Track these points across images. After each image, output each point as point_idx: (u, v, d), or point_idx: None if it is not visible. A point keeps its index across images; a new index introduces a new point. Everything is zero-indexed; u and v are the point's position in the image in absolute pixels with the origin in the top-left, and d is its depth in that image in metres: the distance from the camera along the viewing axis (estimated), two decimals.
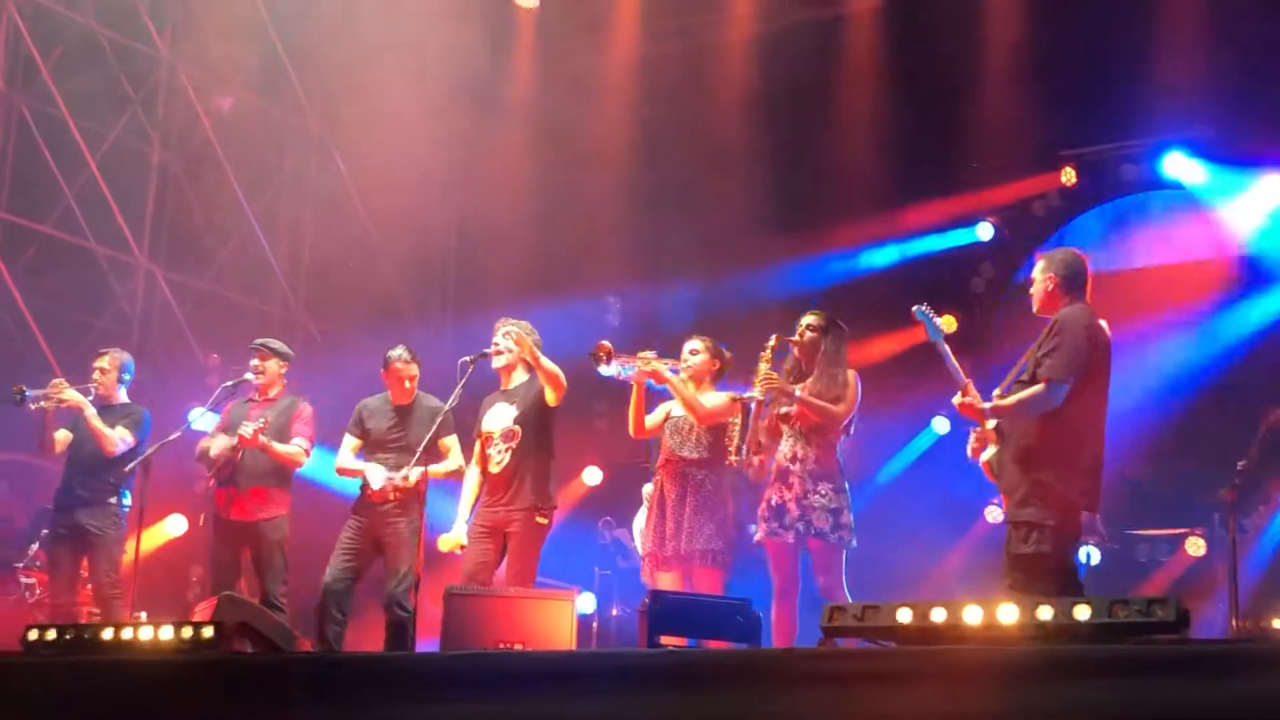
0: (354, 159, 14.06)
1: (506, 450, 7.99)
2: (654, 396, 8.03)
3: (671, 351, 8.07)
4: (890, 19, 12.68)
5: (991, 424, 6.42)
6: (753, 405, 7.31)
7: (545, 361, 7.93)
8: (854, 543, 7.28)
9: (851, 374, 7.40)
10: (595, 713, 4.39)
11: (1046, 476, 6.31)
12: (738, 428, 7.37)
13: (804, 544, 7.24)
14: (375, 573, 8.52)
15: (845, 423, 7.37)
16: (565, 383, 7.97)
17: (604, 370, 7.93)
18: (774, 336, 7.46)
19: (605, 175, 13.09)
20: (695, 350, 7.90)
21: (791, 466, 7.28)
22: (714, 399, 7.75)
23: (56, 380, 9.07)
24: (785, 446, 7.34)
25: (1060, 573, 6.33)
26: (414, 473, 8.18)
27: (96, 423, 8.92)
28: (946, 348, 6.50)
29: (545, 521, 7.97)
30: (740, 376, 7.92)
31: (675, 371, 7.81)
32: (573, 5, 13.57)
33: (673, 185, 13.05)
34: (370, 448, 8.50)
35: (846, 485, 7.35)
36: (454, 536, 8.02)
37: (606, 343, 7.86)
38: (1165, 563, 11.04)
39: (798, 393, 7.27)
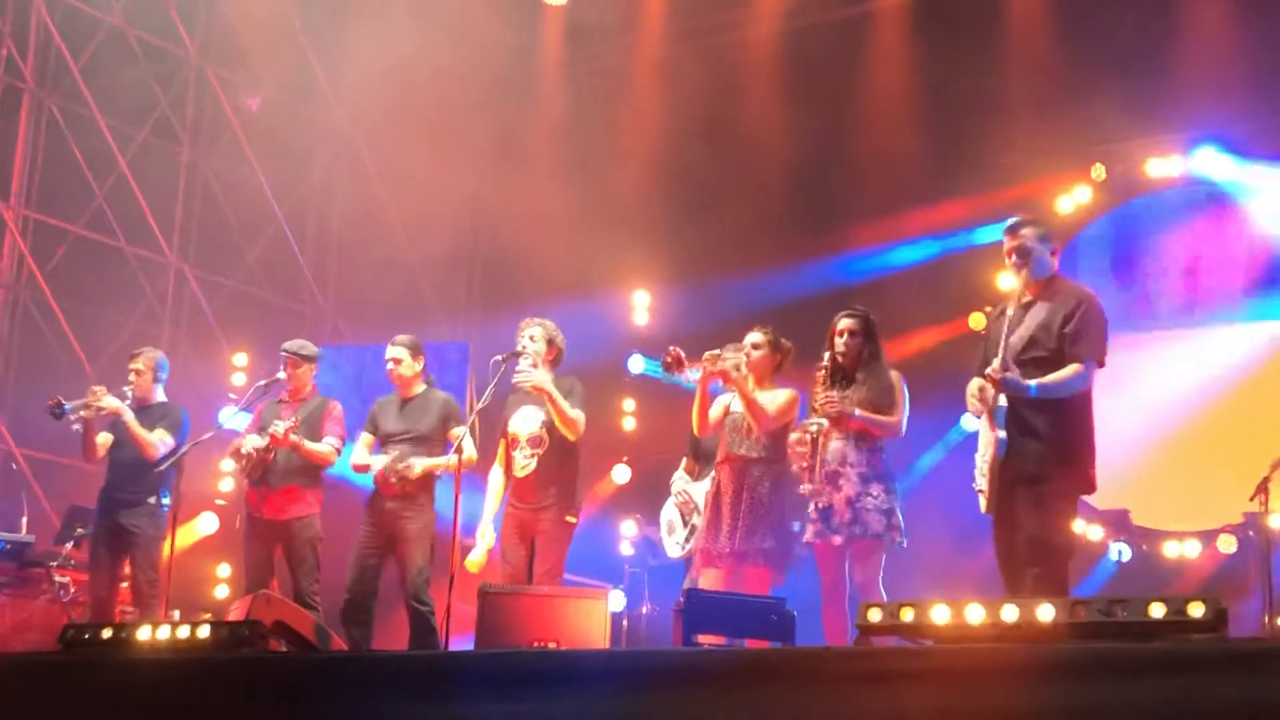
0: (382, 159, 14.11)
1: (533, 456, 7.99)
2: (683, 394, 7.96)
3: (705, 349, 7.95)
4: (918, 15, 12.65)
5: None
6: (819, 435, 7.16)
7: (564, 406, 7.88)
8: (904, 543, 7.23)
9: (896, 376, 7.29)
10: (631, 712, 4.39)
11: (1072, 458, 6.29)
12: (805, 457, 7.23)
13: (851, 545, 7.14)
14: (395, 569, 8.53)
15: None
16: (582, 430, 7.95)
17: (674, 377, 7.86)
18: (825, 355, 7.31)
19: (633, 173, 13.07)
20: (757, 344, 7.69)
21: (841, 469, 7.16)
22: (777, 401, 7.59)
23: (95, 388, 9.10)
24: (834, 449, 7.23)
25: (1070, 555, 6.35)
26: (418, 463, 8.22)
27: (136, 429, 8.97)
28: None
29: (573, 520, 7.98)
30: (790, 373, 7.80)
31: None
32: (601, 3, 13.57)
33: (701, 182, 13.03)
34: (382, 442, 8.53)
35: (896, 486, 7.29)
36: (478, 558, 8.02)
37: (676, 349, 7.66)
38: (1196, 560, 11.01)
39: (857, 413, 7.16)
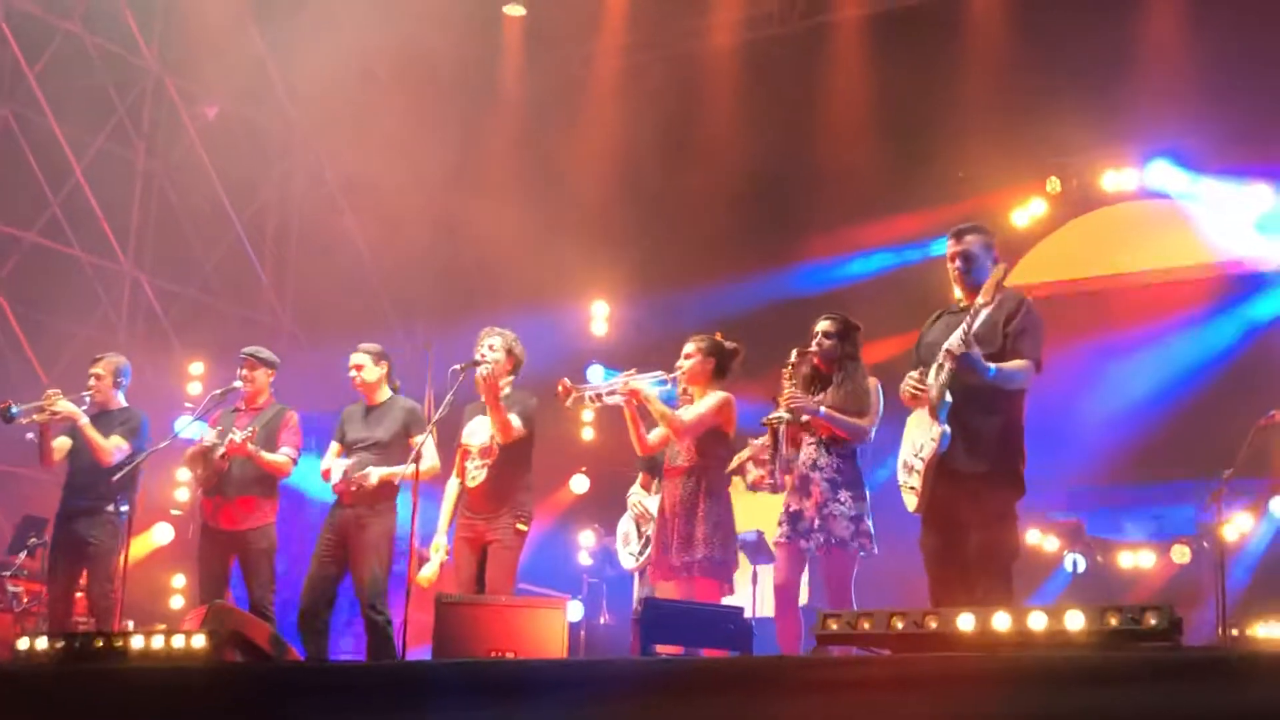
0: (341, 168, 14.08)
1: (483, 466, 7.97)
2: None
3: (664, 359, 8.00)
4: (876, 28, 12.73)
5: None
6: (782, 428, 7.19)
7: (507, 418, 7.87)
8: (875, 550, 7.22)
9: (873, 382, 7.27)
10: None
11: (1010, 459, 6.27)
12: (766, 449, 7.27)
13: (820, 551, 7.13)
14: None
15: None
16: (514, 434, 7.90)
17: (571, 405, 7.94)
18: (794, 351, 7.33)
19: (592, 183, 13.10)
20: (688, 354, 7.70)
21: (812, 474, 7.17)
22: (697, 407, 7.64)
23: (50, 391, 9.03)
24: (805, 453, 7.24)
25: (1015, 557, 6.29)
26: (374, 471, 8.20)
27: (92, 433, 8.90)
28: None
29: (524, 529, 7.95)
30: (747, 383, 7.84)
31: (664, 382, 7.78)
32: (560, 14, 13.60)
33: (660, 193, 13.07)
34: (348, 450, 8.50)
35: (867, 493, 7.26)
36: (429, 572, 7.99)
37: (564, 382, 7.79)
38: (1150, 570, 11.10)
39: (822, 411, 7.17)
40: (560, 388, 7.79)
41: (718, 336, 7.84)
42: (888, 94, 12.38)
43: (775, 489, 7.31)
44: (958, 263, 6.47)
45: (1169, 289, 11.33)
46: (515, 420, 7.91)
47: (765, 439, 7.37)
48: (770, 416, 7.21)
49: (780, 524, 7.27)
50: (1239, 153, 11.25)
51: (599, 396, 7.89)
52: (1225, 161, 11.32)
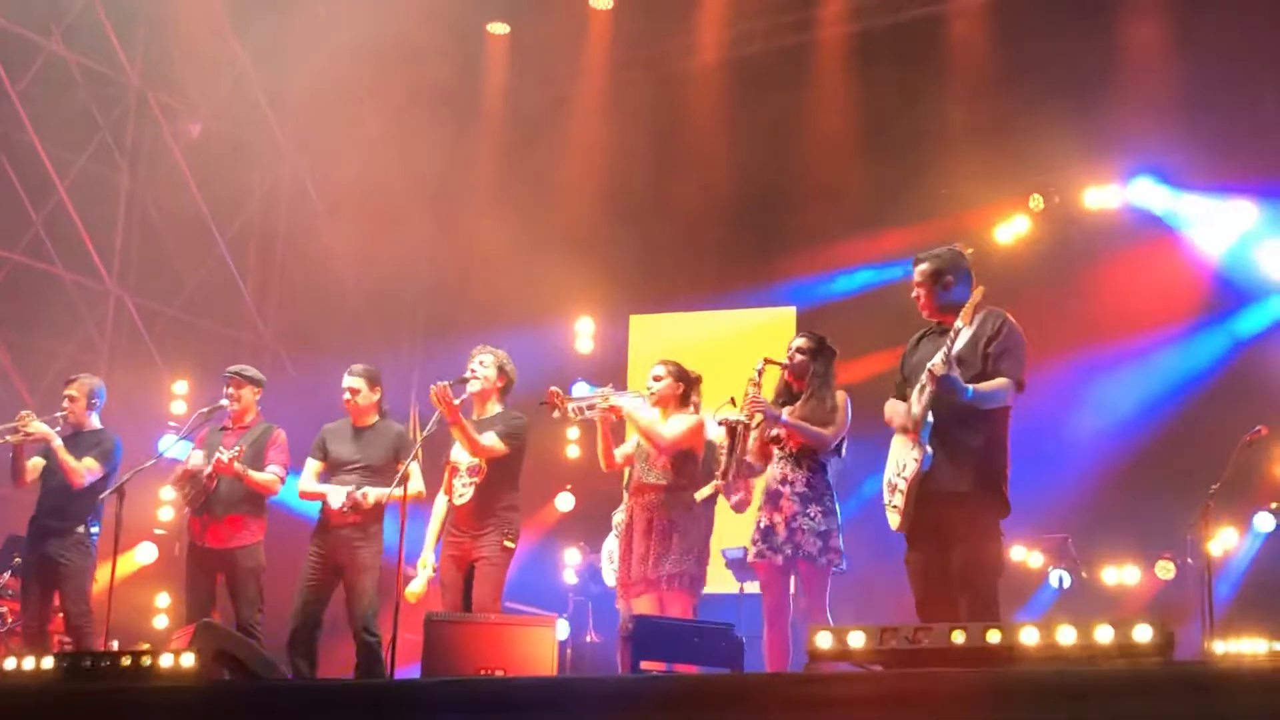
0: (325, 186, 14.06)
1: (470, 484, 7.98)
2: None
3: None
4: (861, 45, 12.78)
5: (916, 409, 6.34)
6: (739, 429, 7.29)
7: (474, 435, 7.89)
8: (844, 566, 7.24)
9: (841, 395, 7.35)
10: None
11: (993, 479, 6.29)
12: (724, 451, 7.35)
13: (794, 567, 7.20)
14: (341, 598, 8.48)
15: (835, 444, 7.35)
16: (489, 453, 7.91)
17: (559, 416, 8.01)
18: (762, 360, 7.42)
19: (577, 200, 13.13)
20: (658, 376, 7.90)
21: (782, 488, 7.24)
22: (676, 425, 7.75)
23: (23, 412, 9.04)
24: (775, 468, 7.32)
25: (999, 574, 6.32)
26: (373, 493, 8.20)
27: (64, 455, 8.90)
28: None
29: (511, 546, 7.95)
30: (720, 398, 7.90)
31: (638, 400, 7.85)
32: (545, 32, 13.62)
33: (645, 210, 13.11)
34: (331, 471, 8.48)
35: (838, 507, 7.29)
36: (418, 588, 8.00)
37: (555, 389, 7.91)
38: (1135, 586, 11.12)
39: (784, 416, 7.24)
40: (552, 398, 7.84)
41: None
42: (872, 111, 12.43)
43: (728, 491, 7.39)
44: (915, 293, 6.56)
45: (1154, 304, 11.34)
46: (490, 438, 7.91)
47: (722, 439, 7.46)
48: (727, 416, 7.29)
49: (754, 541, 7.31)
50: (1222, 169, 11.30)
51: (581, 410, 7.96)
52: (1208, 178, 11.36)
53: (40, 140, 12.28)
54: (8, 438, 8.89)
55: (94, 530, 8.97)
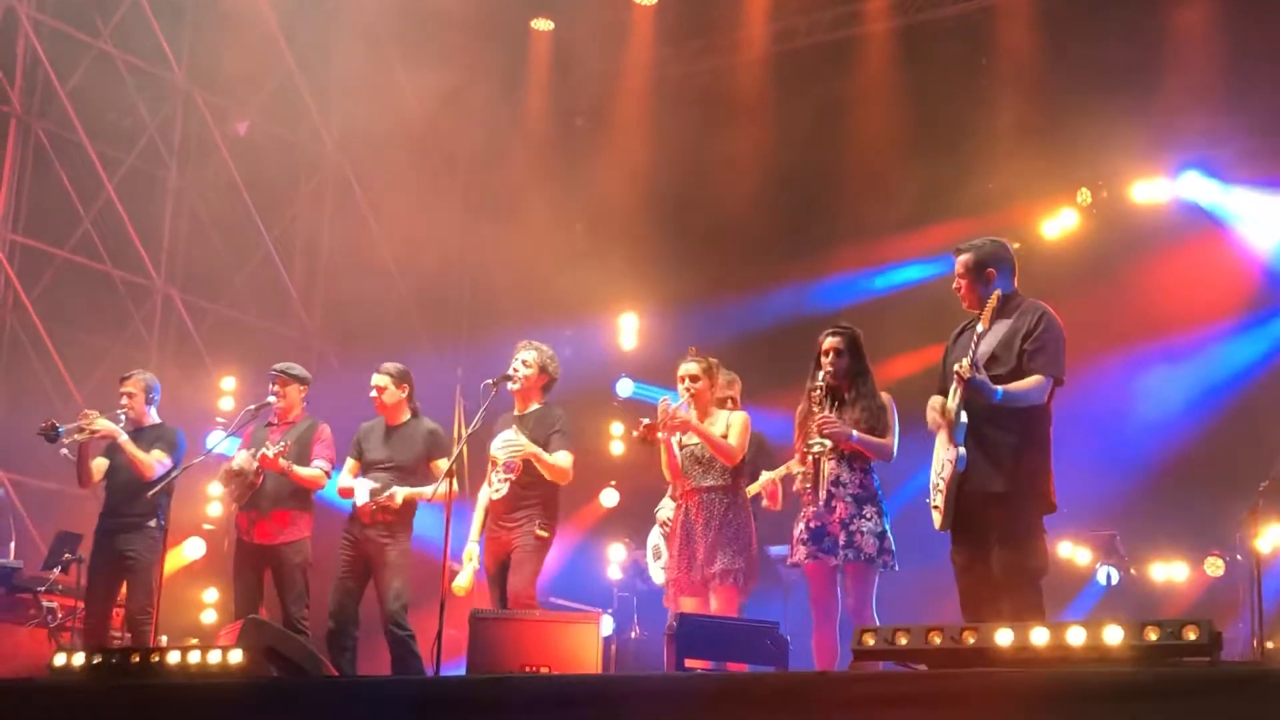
0: (370, 184, 14.12)
1: (505, 481, 8.00)
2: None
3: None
4: (905, 40, 12.73)
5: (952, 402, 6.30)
6: (822, 459, 7.10)
7: (547, 458, 7.92)
8: (896, 566, 7.19)
9: (887, 398, 7.22)
10: None
11: (1031, 476, 6.26)
12: (808, 479, 7.21)
13: (848, 567, 7.10)
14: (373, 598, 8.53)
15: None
16: (570, 474, 7.98)
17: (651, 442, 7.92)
18: (820, 375, 7.17)
19: (621, 197, 13.12)
20: (695, 376, 7.78)
21: (835, 489, 7.14)
22: (736, 434, 7.69)
23: (87, 411, 9.06)
24: (827, 469, 7.21)
25: (1043, 574, 6.28)
26: (399, 492, 8.24)
27: (133, 449, 8.93)
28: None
29: (545, 534, 7.95)
30: (779, 394, 7.82)
31: (685, 408, 7.76)
32: (588, 31, 13.64)
33: (688, 206, 13.10)
34: (365, 470, 8.54)
35: (886, 508, 7.27)
36: (464, 581, 8.02)
37: (646, 421, 7.70)
38: (1184, 584, 11.03)
39: (855, 435, 7.12)
40: (649, 434, 7.65)
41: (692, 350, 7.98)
42: (917, 106, 12.38)
43: (811, 517, 7.27)
44: (956, 284, 6.54)
45: (1204, 299, 11.23)
46: (564, 461, 7.96)
47: (796, 466, 7.35)
48: (810, 444, 7.12)
49: (803, 543, 7.18)
50: (1272, 162, 11.21)
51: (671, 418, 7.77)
52: (1258, 172, 11.26)
53: (89, 139, 12.38)
54: (74, 436, 8.93)
55: (162, 524, 8.99)
